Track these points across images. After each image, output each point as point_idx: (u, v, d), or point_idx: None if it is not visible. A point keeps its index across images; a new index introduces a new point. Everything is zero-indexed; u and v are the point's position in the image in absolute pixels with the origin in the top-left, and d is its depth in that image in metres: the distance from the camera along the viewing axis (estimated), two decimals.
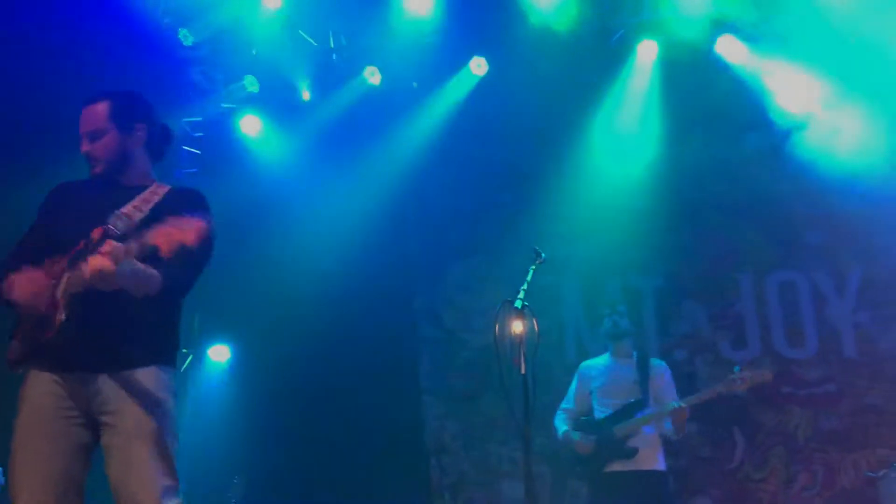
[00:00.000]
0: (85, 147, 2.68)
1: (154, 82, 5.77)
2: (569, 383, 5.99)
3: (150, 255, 2.32)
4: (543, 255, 3.41)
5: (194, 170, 6.34)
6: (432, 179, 6.73)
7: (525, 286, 3.23)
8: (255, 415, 5.97)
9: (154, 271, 2.41)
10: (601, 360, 4.63)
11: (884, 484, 4.87)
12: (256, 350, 6.27)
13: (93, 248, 2.40)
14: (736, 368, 4.34)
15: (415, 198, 6.74)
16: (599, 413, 4.44)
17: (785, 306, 6.17)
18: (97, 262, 2.30)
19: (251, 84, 6.08)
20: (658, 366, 4.54)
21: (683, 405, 4.26)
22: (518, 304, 3.08)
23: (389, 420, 6.08)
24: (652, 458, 4.33)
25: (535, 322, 3.09)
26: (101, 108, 2.67)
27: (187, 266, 2.51)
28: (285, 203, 6.25)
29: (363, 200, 6.34)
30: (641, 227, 6.21)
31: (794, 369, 6.03)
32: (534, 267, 3.36)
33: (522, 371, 2.99)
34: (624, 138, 6.50)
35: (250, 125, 6.40)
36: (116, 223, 2.47)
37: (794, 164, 6.30)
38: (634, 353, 4.57)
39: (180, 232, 2.22)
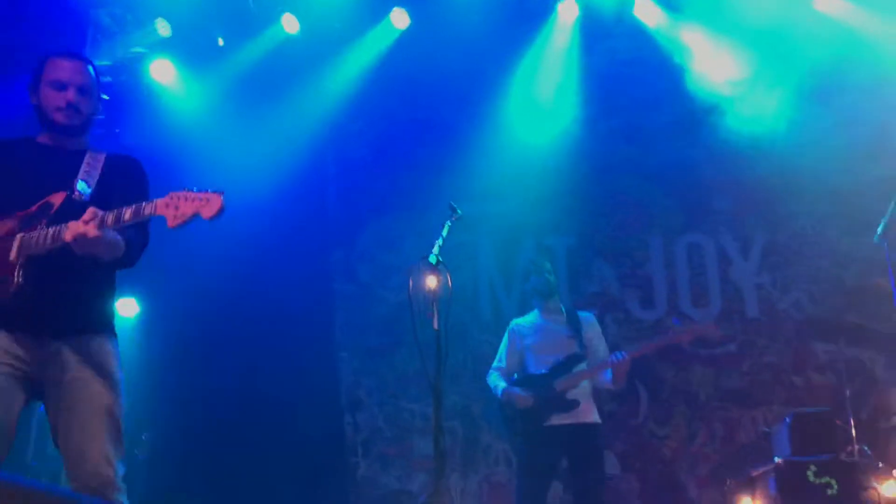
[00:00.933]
0: (72, 97, 2.73)
1: (58, 23, 5.53)
2: (483, 341, 6.12)
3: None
4: (459, 211, 3.40)
5: (101, 116, 6.08)
6: (351, 133, 6.64)
7: (440, 242, 3.23)
8: (164, 370, 5.84)
9: (120, 238, 2.54)
10: (531, 318, 4.60)
11: (775, 437, 5.03)
12: (166, 304, 6.05)
13: (57, 213, 2.50)
14: (675, 321, 4.42)
15: (333, 151, 6.65)
16: (536, 369, 4.41)
17: (692, 268, 6.32)
18: (82, 228, 2.40)
19: (163, 27, 5.83)
20: (586, 318, 4.55)
21: (626, 356, 4.25)
22: (433, 259, 3.09)
23: (304, 375, 6.02)
24: (589, 411, 4.33)
25: (448, 278, 3.10)
26: (91, 69, 2.81)
27: (142, 235, 2.68)
28: (197, 153, 5.94)
29: (279, 152, 6.20)
30: (555, 188, 6.28)
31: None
32: (449, 223, 3.35)
33: (435, 327, 3.00)
34: (541, 99, 6.54)
35: (162, 71, 6.16)
36: (78, 190, 2.58)
37: (707, 133, 6.43)
38: (563, 308, 4.56)
39: (203, 203, 2.38)
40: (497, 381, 4.54)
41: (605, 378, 4.37)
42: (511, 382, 4.52)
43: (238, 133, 6.08)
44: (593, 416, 4.39)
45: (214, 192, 2.40)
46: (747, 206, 6.31)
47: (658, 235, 6.39)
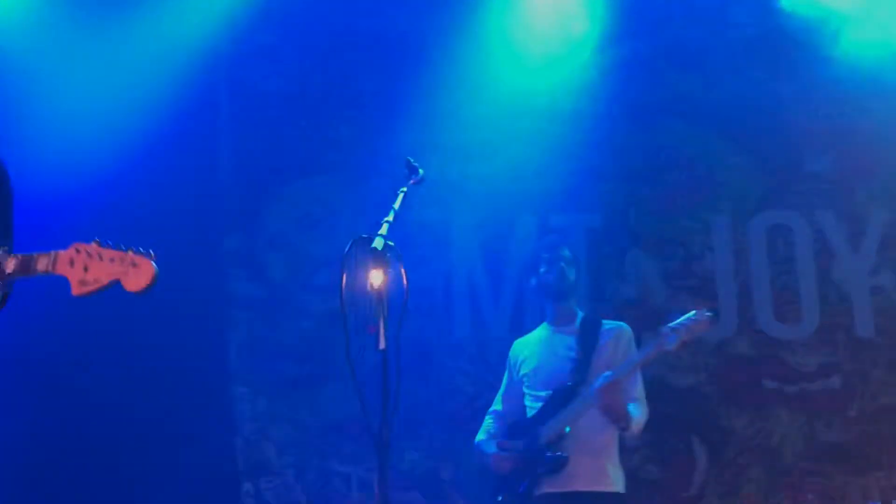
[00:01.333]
0: None
1: None
2: (457, 370, 6.25)
3: None
4: (421, 171, 3.53)
5: None
6: (255, 53, 6.55)
7: (390, 217, 3.28)
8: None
9: None
10: (536, 333, 4.79)
11: None
12: None
13: None
14: (670, 318, 4.41)
15: (227, 81, 6.56)
16: (529, 410, 4.60)
17: (775, 262, 6.39)
18: None
19: None
20: (613, 330, 4.68)
21: (610, 377, 4.30)
22: (378, 243, 3.10)
23: (179, 423, 5.91)
24: (596, 473, 4.42)
25: (404, 274, 3.14)
26: None
27: None
28: (23, 86, 5.92)
29: (145, 83, 6.04)
30: (568, 143, 6.37)
31: (783, 353, 6.25)
32: (405, 189, 3.44)
33: (381, 346, 3.05)
34: (547, 9, 6.57)
35: None
36: None
37: (800, 62, 6.49)
38: (579, 314, 4.71)
39: (126, 269, 2.66)
40: (480, 433, 4.74)
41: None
42: (498, 434, 4.66)
43: (84, 56, 6.02)
44: (605, 482, 4.44)
45: (140, 253, 2.62)
46: (858, 171, 6.41)
47: (724, 214, 6.46)
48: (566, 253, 4.73)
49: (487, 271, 6.45)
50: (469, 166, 6.44)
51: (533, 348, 4.72)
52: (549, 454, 4.37)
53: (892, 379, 6.17)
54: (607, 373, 4.31)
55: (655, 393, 6.08)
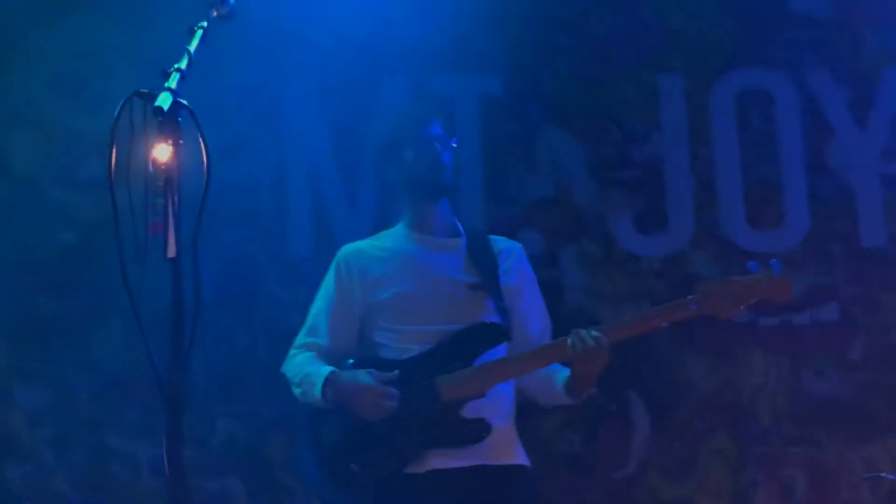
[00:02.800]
0: None
1: None
2: (291, 302, 6.19)
3: None
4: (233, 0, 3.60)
5: None
6: None
7: (183, 65, 3.27)
8: None
9: None
10: (387, 241, 4.79)
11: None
12: None
13: None
14: (752, 265, 4.44)
15: None
16: (392, 353, 4.56)
17: (748, 143, 6.55)
18: None
19: None
20: (510, 250, 4.79)
21: (602, 340, 4.31)
22: (165, 101, 3.08)
23: None
24: (507, 442, 4.54)
25: (202, 143, 3.13)
26: None
27: None
28: None
29: None
30: None
31: None
32: (205, 24, 3.50)
33: (171, 252, 3.05)
34: None
35: None
36: None
37: None
38: (459, 225, 4.76)
39: None
40: (310, 366, 4.57)
41: (555, 383, 4.57)
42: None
43: None
44: (514, 455, 4.53)
45: None
46: (866, 13, 6.59)
47: (677, 74, 6.60)
48: (440, 130, 4.72)
49: (338, 159, 6.49)
50: (312, 6, 6.40)
51: (395, 264, 4.67)
52: (465, 419, 4.35)
53: None
54: (592, 331, 4.34)
55: None
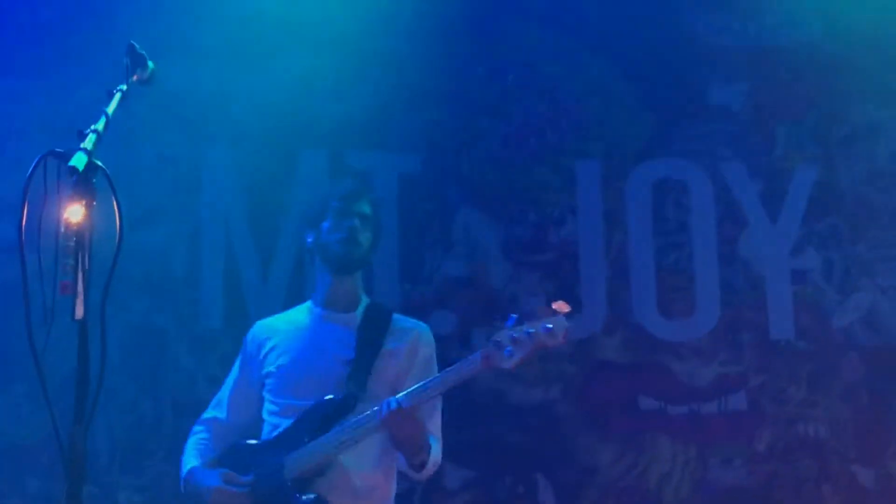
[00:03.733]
0: None
1: None
2: (201, 371, 6.31)
3: None
4: (152, 65, 3.56)
5: None
6: None
7: (100, 126, 3.19)
8: None
9: None
10: (293, 315, 4.83)
11: None
12: None
13: None
14: (510, 321, 4.27)
15: None
16: (269, 427, 4.60)
17: (661, 231, 6.63)
18: None
19: None
20: (408, 331, 4.74)
21: (399, 404, 4.26)
22: (80, 161, 3.03)
23: None
24: None
25: (117, 210, 3.08)
26: None
27: None
28: None
29: None
30: (378, 51, 6.54)
31: (667, 360, 6.45)
32: (125, 87, 3.44)
33: (79, 314, 2.97)
34: None
35: None
36: None
37: None
38: (363, 300, 4.76)
39: None
40: (189, 455, 4.67)
41: (400, 457, 4.52)
42: (213, 456, 4.63)
43: None
44: None
45: None
46: (779, 108, 6.65)
47: (594, 161, 6.66)
48: (366, 208, 4.71)
49: (253, 231, 6.50)
50: (233, 77, 6.46)
51: (287, 336, 4.69)
52: (300, 497, 4.32)
53: (817, 399, 6.38)
54: (400, 395, 4.29)
55: (488, 412, 6.20)
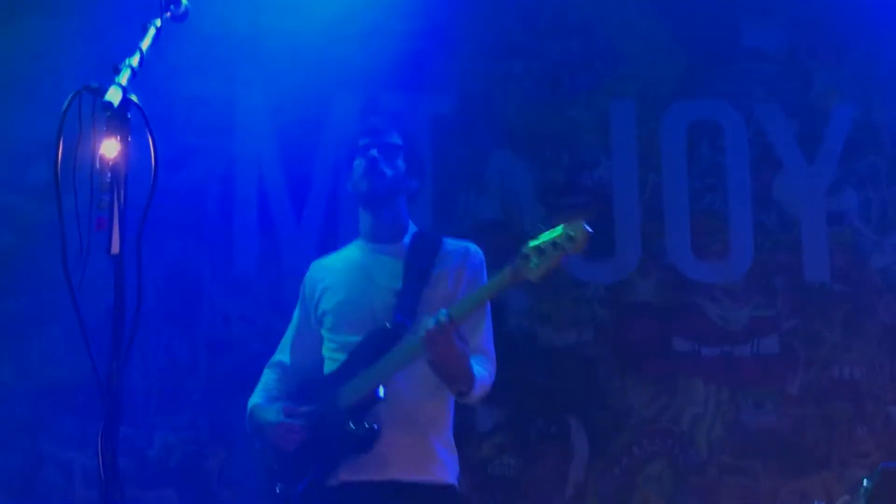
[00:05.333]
0: None
1: None
2: (235, 312, 6.38)
3: None
4: (185, 1, 3.51)
5: None
6: None
7: (135, 61, 3.17)
8: None
9: None
10: (345, 253, 4.85)
11: None
12: None
13: None
14: (534, 233, 4.29)
15: None
16: (330, 364, 4.64)
17: (695, 173, 6.61)
18: None
19: None
20: (456, 252, 4.75)
21: (444, 318, 4.23)
22: (115, 96, 3.00)
23: None
24: (419, 456, 4.47)
25: (151, 141, 3.04)
26: None
27: None
28: None
29: None
30: None
31: (701, 303, 6.43)
32: (159, 22, 3.40)
33: (114, 249, 2.96)
34: None
35: None
36: None
37: None
38: (410, 229, 4.77)
39: None
40: (255, 395, 4.73)
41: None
42: (273, 396, 4.70)
43: None
44: (429, 468, 4.48)
45: None
46: (817, 50, 6.61)
47: (628, 102, 6.64)
48: (394, 139, 4.73)
49: (287, 173, 6.51)
50: (265, 18, 6.43)
51: (339, 275, 4.70)
52: (352, 426, 4.35)
53: (851, 343, 6.35)
54: (442, 311, 4.26)
55: (520, 354, 6.22)
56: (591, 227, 4.18)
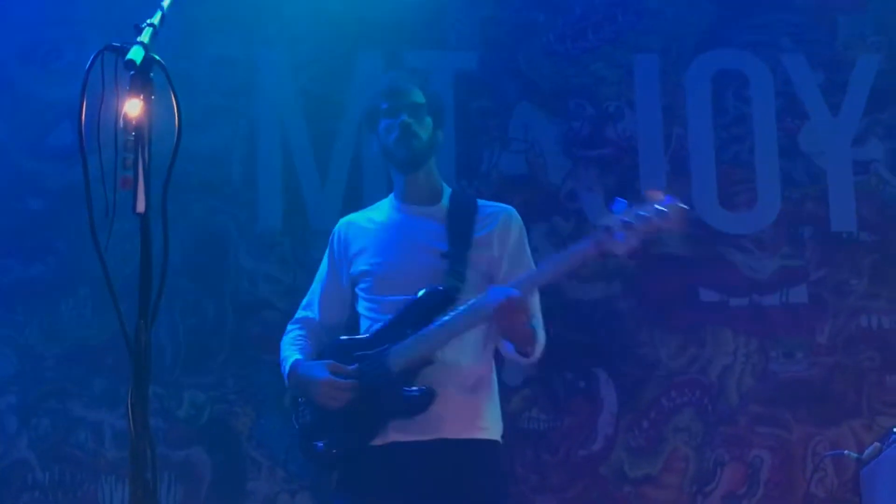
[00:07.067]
0: None
1: None
2: (260, 272, 6.38)
3: None
4: None
5: None
6: None
7: (156, 20, 3.13)
8: None
9: None
10: (378, 211, 4.82)
11: (869, 471, 5.06)
12: None
13: None
14: (618, 205, 4.18)
15: None
16: (369, 323, 4.61)
17: (721, 124, 6.60)
18: None
19: None
20: (496, 214, 4.72)
21: (514, 293, 4.23)
22: (137, 54, 2.98)
23: None
24: (470, 415, 4.48)
25: (175, 100, 3.01)
26: None
27: None
28: None
29: None
30: None
31: (729, 253, 6.43)
32: None
33: (140, 208, 2.93)
34: None
35: None
36: None
37: None
38: (445, 190, 4.74)
39: None
40: (288, 349, 4.68)
41: (507, 346, 4.51)
42: (317, 351, 4.64)
43: None
44: (477, 429, 4.48)
45: None
46: None
47: (652, 54, 6.64)
48: (417, 97, 4.68)
49: (311, 133, 6.49)
50: None
51: (376, 235, 4.68)
52: (409, 389, 4.34)
53: (879, 291, 6.35)
54: (512, 284, 4.29)
55: (547, 308, 6.22)
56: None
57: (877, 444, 4.92)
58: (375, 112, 4.69)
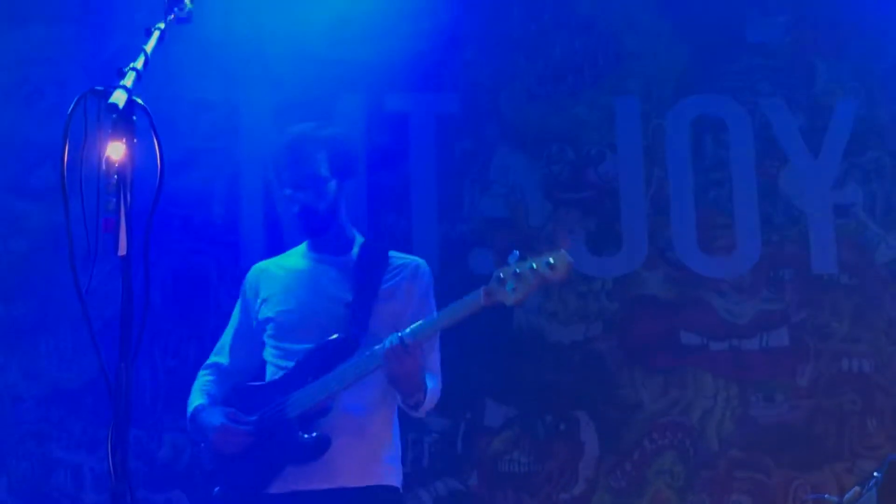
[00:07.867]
0: None
1: None
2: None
3: None
4: (190, 4, 3.51)
5: None
6: None
7: (139, 64, 3.17)
8: None
9: None
10: (288, 259, 4.87)
11: None
12: None
13: None
14: (512, 257, 4.26)
15: None
16: (273, 369, 4.67)
17: (701, 168, 6.60)
18: None
19: None
20: (405, 267, 4.75)
21: (403, 339, 4.29)
22: (120, 98, 3.01)
23: None
24: (367, 462, 4.52)
25: (158, 150, 3.03)
26: None
27: None
28: None
29: None
30: None
31: (708, 297, 6.43)
32: (163, 25, 3.40)
33: (122, 251, 2.98)
34: None
35: None
36: None
37: None
38: (357, 240, 4.78)
39: None
40: (194, 395, 4.77)
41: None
42: (218, 397, 4.72)
43: None
44: (376, 473, 4.55)
45: None
46: (820, 44, 6.60)
47: (633, 98, 6.65)
48: (317, 170, 4.60)
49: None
50: (268, 20, 6.44)
51: (285, 282, 4.71)
52: (304, 435, 4.38)
53: (859, 334, 6.33)
54: (404, 332, 4.29)
55: (528, 350, 6.21)
56: (571, 257, 4.20)
57: (857, 487, 4.90)
58: (276, 177, 4.76)
